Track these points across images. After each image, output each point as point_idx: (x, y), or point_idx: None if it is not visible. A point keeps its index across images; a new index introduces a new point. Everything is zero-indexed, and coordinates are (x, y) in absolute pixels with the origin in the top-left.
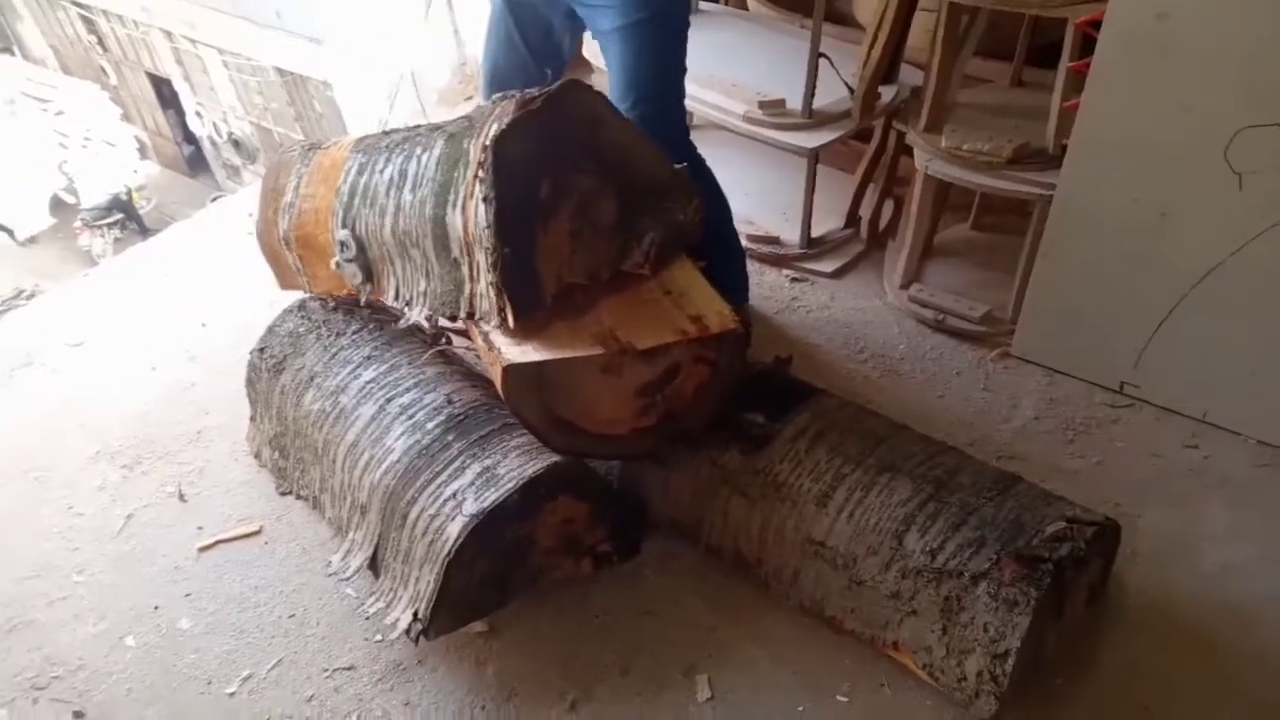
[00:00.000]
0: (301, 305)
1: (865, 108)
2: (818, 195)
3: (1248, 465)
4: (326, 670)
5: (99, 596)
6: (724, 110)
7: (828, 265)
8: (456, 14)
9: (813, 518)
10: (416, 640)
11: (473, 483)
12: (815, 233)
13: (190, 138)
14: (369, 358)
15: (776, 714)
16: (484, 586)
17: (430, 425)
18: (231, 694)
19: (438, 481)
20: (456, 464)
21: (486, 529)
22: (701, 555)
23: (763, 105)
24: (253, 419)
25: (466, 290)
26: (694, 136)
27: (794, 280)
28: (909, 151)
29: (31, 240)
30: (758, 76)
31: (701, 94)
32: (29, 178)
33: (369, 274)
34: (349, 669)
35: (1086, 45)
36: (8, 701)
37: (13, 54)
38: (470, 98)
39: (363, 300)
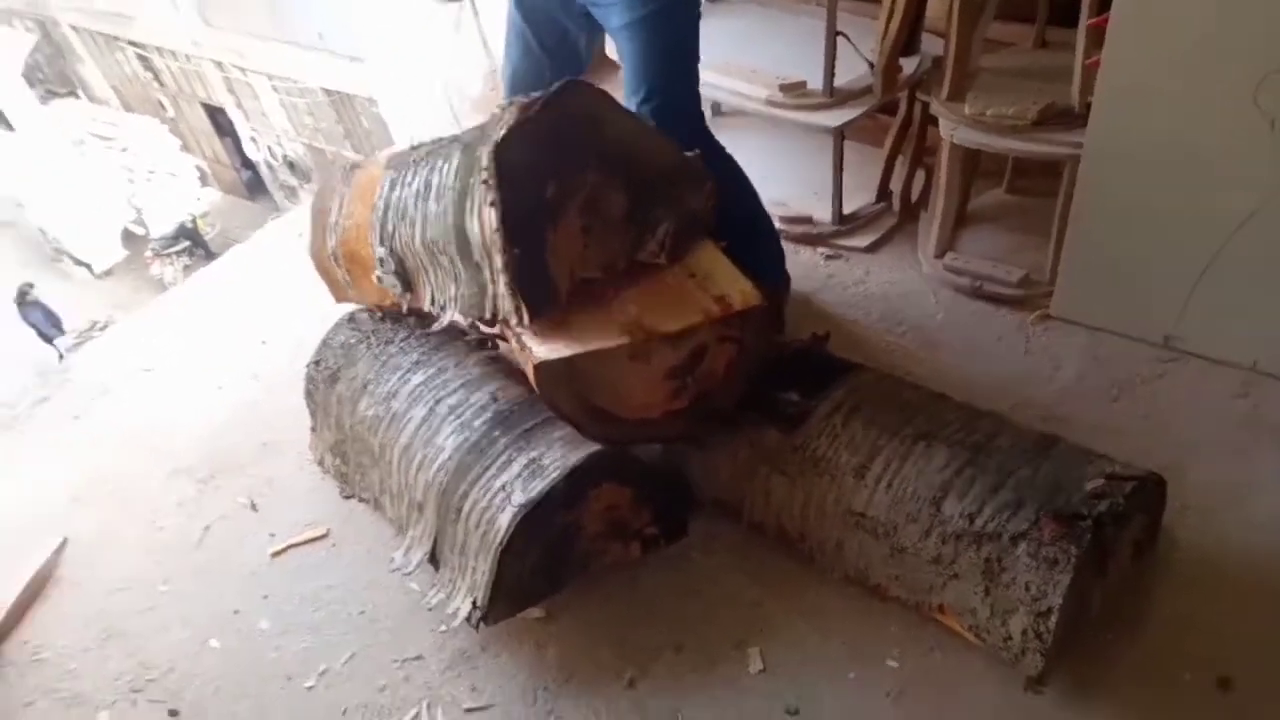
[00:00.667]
0: (351, 317)
1: (887, 82)
2: (848, 172)
3: None
4: (396, 661)
5: (183, 604)
6: (747, 96)
7: (861, 240)
8: (483, 22)
9: (852, 490)
10: (477, 627)
11: (519, 474)
12: (847, 209)
13: (247, 163)
14: (417, 363)
15: (827, 682)
16: (536, 573)
17: (477, 423)
18: (310, 687)
19: (487, 475)
20: (504, 457)
21: (535, 518)
22: (745, 533)
23: (784, 88)
24: (314, 429)
25: (490, 292)
26: (722, 123)
27: (829, 258)
28: (935, 121)
29: (108, 273)
30: (778, 60)
31: (723, 81)
32: (101, 213)
33: (407, 284)
34: (417, 659)
35: (1105, 1)
36: (109, 704)
37: (78, 96)
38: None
39: (405, 309)
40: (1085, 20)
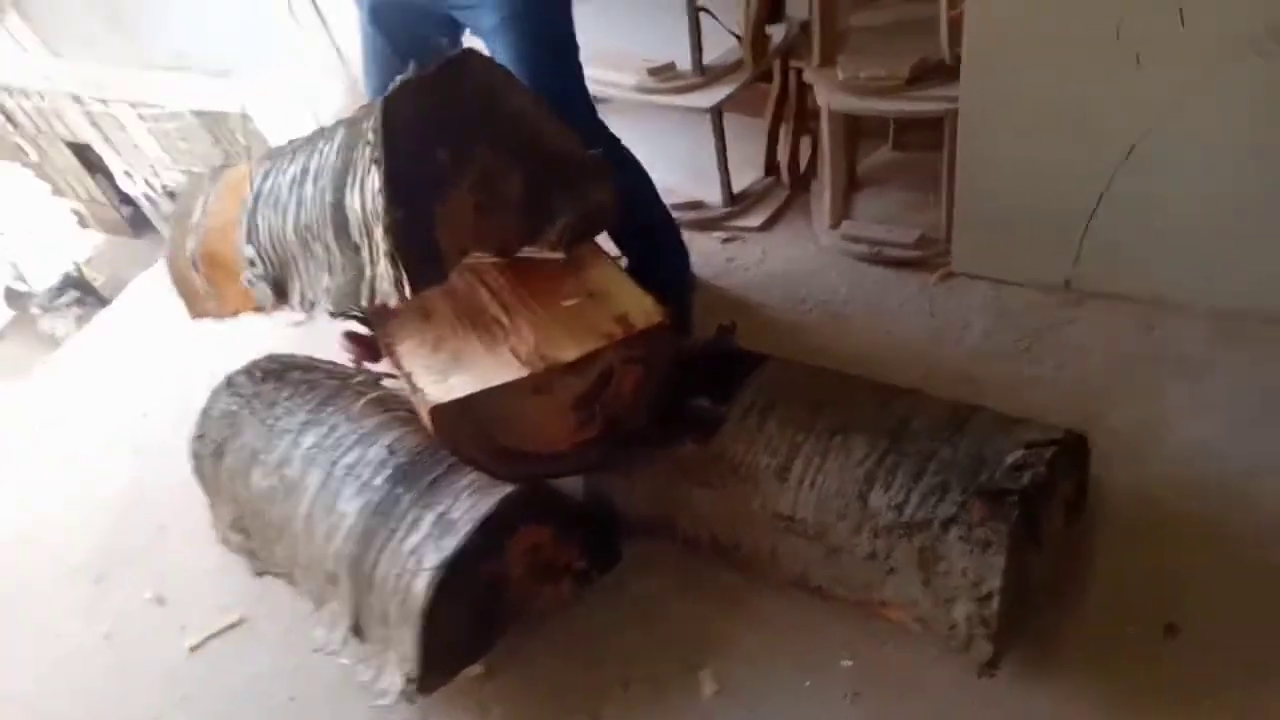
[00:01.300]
0: (229, 382)
1: (756, 53)
2: (735, 147)
3: (1204, 338)
4: None
5: (98, 715)
6: (615, 85)
7: (755, 219)
8: (334, 33)
9: (777, 493)
10: (411, 700)
11: (429, 534)
12: (737, 188)
13: (125, 199)
14: (305, 423)
15: (785, 694)
16: (466, 633)
17: (377, 481)
18: None
19: (395, 539)
20: (409, 516)
21: (453, 578)
22: (680, 551)
23: (652, 72)
24: (211, 505)
25: (367, 274)
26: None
27: (725, 241)
28: (812, 89)
29: None
30: (645, 42)
31: (590, 71)
32: None
33: (280, 289)
34: None
35: None
36: None
37: None
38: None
39: (269, 311)
40: None
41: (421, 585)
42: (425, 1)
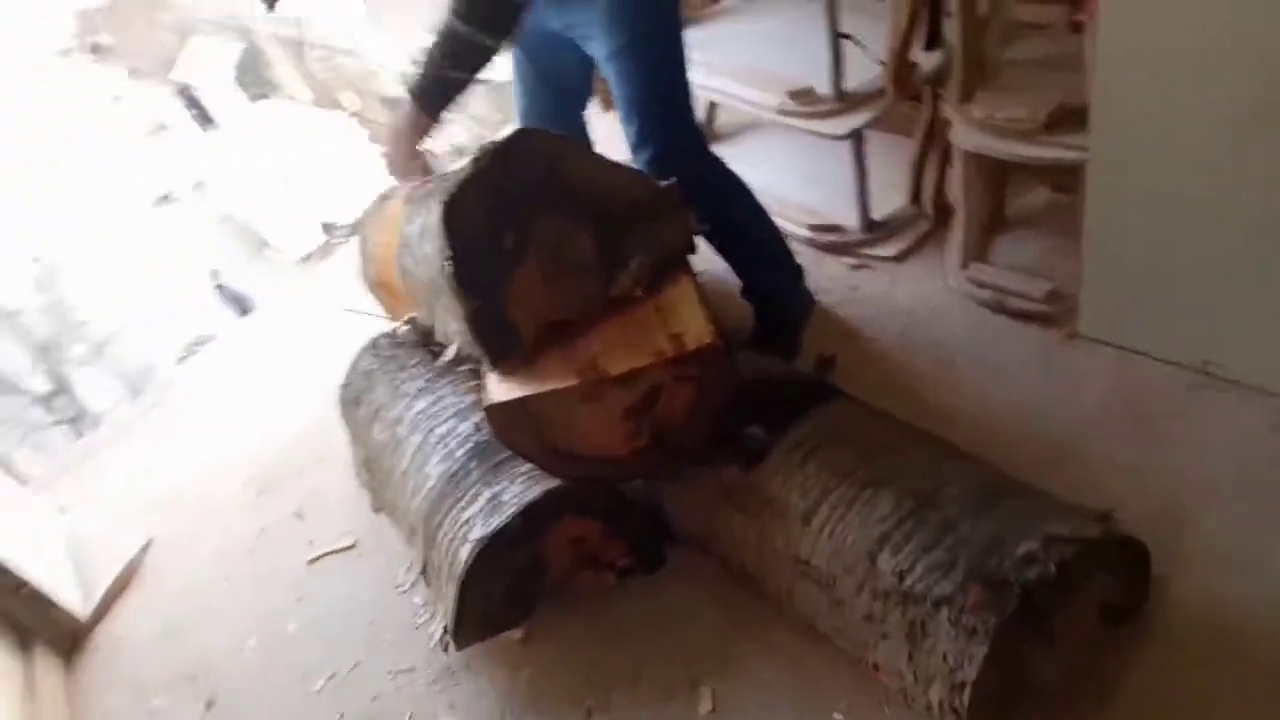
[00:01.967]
0: (374, 343)
1: (899, 82)
2: (884, 172)
3: None
4: (392, 672)
5: (233, 604)
6: (759, 105)
7: (890, 249)
8: None
9: (799, 535)
10: (446, 650)
11: (482, 509)
12: (880, 214)
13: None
14: (421, 390)
15: None
16: (504, 600)
17: (459, 453)
18: (317, 691)
19: (458, 507)
20: (473, 490)
21: (493, 552)
22: (719, 567)
23: (792, 95)
24: (351, 445)
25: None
26: (748, 131)
27: (855, 268)
28: None
29: (307, 259)
30: (790, 63)
31: (735, 89)
32: (301, 204)
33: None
34: (410, 671)
35: None
36: (161, 692)
37: (275, 97)
38: None
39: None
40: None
41: (465, 553)
42: (558, 28)
